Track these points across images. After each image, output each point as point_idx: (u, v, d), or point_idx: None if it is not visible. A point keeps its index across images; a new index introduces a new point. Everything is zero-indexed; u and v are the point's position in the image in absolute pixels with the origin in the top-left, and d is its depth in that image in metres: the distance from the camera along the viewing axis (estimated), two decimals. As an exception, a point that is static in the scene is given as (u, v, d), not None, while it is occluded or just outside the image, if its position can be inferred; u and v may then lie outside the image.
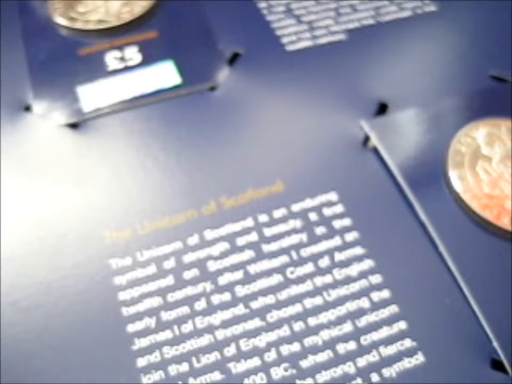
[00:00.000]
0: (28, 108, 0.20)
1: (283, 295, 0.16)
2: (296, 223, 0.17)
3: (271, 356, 0.15)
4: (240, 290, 0.16)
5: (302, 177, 0.18)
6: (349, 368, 0.15)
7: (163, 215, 0.17)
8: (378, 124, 0.19)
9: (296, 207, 0.17)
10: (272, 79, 0.21)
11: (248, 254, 0.17)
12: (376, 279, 0.16)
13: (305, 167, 0.19)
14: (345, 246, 0.17)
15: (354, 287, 0.16)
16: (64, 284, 0.16)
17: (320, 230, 0.17)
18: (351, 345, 0.15)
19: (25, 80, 0.21)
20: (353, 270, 0.16)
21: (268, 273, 0.16)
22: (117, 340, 0.15)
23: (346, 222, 0.17)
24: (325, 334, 0.15)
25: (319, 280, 0.16)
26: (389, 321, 0.15)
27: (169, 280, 0.16)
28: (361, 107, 0.20)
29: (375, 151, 0.19)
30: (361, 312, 0.15)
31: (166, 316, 0.15)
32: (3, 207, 0.18)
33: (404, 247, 0.17)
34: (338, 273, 0.16)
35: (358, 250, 0.17)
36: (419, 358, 0.15)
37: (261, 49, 0.22)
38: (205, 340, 0.15)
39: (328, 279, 0.16)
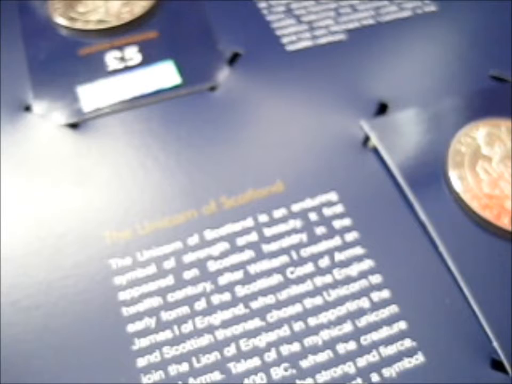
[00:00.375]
0: (28, 108, 0.20)
1: (283, 295, 0.16)
2: (296, 223, 0.17)
3: (271, 356, 0.15)
4: (240, 290, 0.16)
5: (302, 177, 0.18)
6: (349, 368, 0.15)
7: (163, 215, 0.17)
8: (378, 124, 0.19)
9: (296, 207, 0.17)
10: (272, 79, 0.21)
11: (248, 254, 0.17)
12: (376, 279, 0.16)
13: (305, 167, 0.19)
14: (345, 246, 0.17)
15: (354, 287, 0.16)
16: (64, 283, 0.16)
17: (320, 230, 0.17)
18: (351, 345, 0.15)
19: (25, 80, 0.21)
20: (353, 270, 0.16)
21: (268, 273, 0.16)
22: (117, 340, 0.15)
23: (346, 222, 0.17)
24: (325, 334, 0.15)
25: (319, 280, 0.16)
26: (389, 321, 0.15)
27: (169, 280, 0.16)
28: (361, 107, 0.20)
29: (375, 151, 0.19)
30: (361, 312, 0.15)
31: (166, 315, 0.15)
32: (3, 207, 0.18)
33: (404, 247, 0.17)
34: (338, 273, 0.16)
35: (358, 250, 0.17)
36: (419, 358, 0.15)
37: (261, 49, 0.22)
38: (205, 339, 0.15)
39: (328, 279, 0.16)
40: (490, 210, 0.17)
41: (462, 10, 0.24)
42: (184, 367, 0.15)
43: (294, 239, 0.17)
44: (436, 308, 0.15)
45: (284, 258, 0.16)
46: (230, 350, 0.15)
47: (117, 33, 0.22)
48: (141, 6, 0.23)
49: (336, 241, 0.17)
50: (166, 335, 0.15)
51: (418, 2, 0.24)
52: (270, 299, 0.16)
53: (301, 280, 0.16)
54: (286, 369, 0.15)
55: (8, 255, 0.16)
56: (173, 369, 0.14)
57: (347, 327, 0.15)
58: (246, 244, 0.17)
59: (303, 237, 0.17)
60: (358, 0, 0.24)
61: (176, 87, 0.21)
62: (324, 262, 0.16)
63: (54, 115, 0.20)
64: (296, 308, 0.15)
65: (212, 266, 0.16)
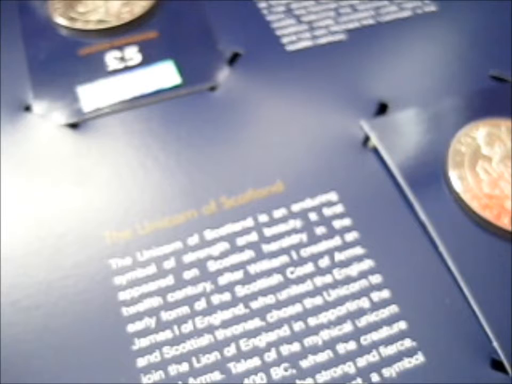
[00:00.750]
0: (28, 108, 0.20)
1: (283, 295, 0.16)
2: (296, 223, 0.17)
3: (271, 356, 0.15)
4: (240, 290, 0.16)
5: (302, 177, 0.18)
6: (349, 368, 0.15)
7: (163, 215, 0.17)
8: (378, 124, 0.19)
9: (296, 207, 0.17)
10: (272, 79, 0.21)
11: (248, 254, 0.17)
12: (376, 279, 0.16)
13: (305, 167, 0.19)
14: (345, 246, 0.17)
15: (354, 287, 0.16)
16: (64, 283, 0.16)
17: (320, 230, 0.17)
18: (351, 345, 0.15)
19: (25, 80, 0.21)
20: (353, 270, 0.16)
21: (268, 273, 0.16)
22: (117, 340, 0.15)
23: (346, 222, 0.17)
24: (325, 334, 0.15)
25: (319, 280, 0.16)
26: (389, 321, 0.15)
27: (169, 280, 0.16)
28: (361, 107, 0.20)
29: (375, 151, 0.19)
30: (361, 312, 0.15)
31: (166, 315, 0.15)
32: (3, 207, 0.18)
33: (404, 247, 0.17)
34: (338, 273, 0.16)
35: (358, 250, 0.17)
36: (419, 358, 0.15)
37: (261, 49, 0.22)
38: (205, 339, 0.15)
39: (328, 279, 0.16)
40: (490, 210, 0.17)
41: (462, 10, 0.24)
42: (184, 367, 0.15)
43: (294, 239, 0.17)
44: (436, 308, 0.15)
45: (283, 258, 0.16)
46: (230, 350, 0.15)
47: (117, 33, 0.22)
48: (141, 6, 0.23)
49: (336, 241, 0.17)
50: (166, 335, 0.15)
51: (418, 2, 0.24)
52: (270, 299, 0.16)
53: (301, 280, 0.16)
54: (286, 369, 0.15)
55: (8, 255, 0.16)
56: (173, 369, 0.14)
57: (347, 327, 0.15)
58: (246, 243, 0.17)
59: (303, 237, 0.17)
60: (358, 0, 0.24)
61: (176, 87, 0.21)
62: (324, 262, 0.16)
63: (54, 115, 0.20)
64: (296, 308, 0.15)
65: (212, 266, 0.16)
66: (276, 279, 0.16)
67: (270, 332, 0.15)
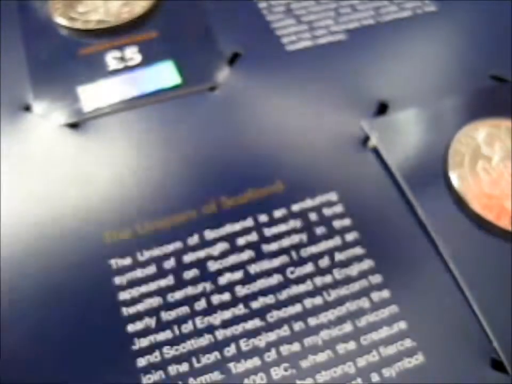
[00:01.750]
0: (27, 108, 0.20)
1: (283, 295, 0.16)
2: (296, 223, 0.17)
3: (271, 355, 0.15)
4: (240, 290, 0.16)
5: (302, 177, 0.18)
6: (349, 368, 0.15)
7: (163, 215, 0.17)
8: (378, 124, 0.19)
9: (296, 207, 0.17)
10: (272, 79, 0.21)
11: (248, 254, 0.17)
12: (376, 279, 0.16)
13: (305, 167, 0.19)
14: (345, 246, 0.17)
15: (354, 287, 0.16)
16: (64, 283, 0.16)
17: (320, 230, 0.17)
18: (351, 345, 0.15)
19: (25, 80, 0.21)
20: (353, 270, 0.16)
21: (268, 273, 0.16)
22: (117, 340, 0.15)
23: (346, 222, 0.17)
24: (325, 334, 0.15)
25: (319, 280, 0.16)
26: (389, 321, 0.15)
27: (169, 280, 0.16)
28: (361, 107, 0.20)
29: (375, 151, 0.19)
30: (361, 312, 0.15)
31: (166, 316, 0.15)
32: (3, 207, 0.18)
33: (403, 247, 0.17)
34: (338, 273, 0.16)
35: (358, 250, 0.17)
36: (419, 358, 0.15)
37: (261, 49, 0.22)
38: (205, 340, 0.15)
39: (328, 279, 0.16)
40: (490, 210, 0.17)
41: (462, 10, 0.24)
42: (184, 367, 0.15)
43: (294, 239, 0.17)
44: (436, 308, 0.15)
45: (283, 258, 0.16)
46: (230, 350, 0.15)
47: (117, 33, 0.22)
48: (141, 6, 0.23)
49: (336, 241, 0.17)
50: (166, 335, 0.15)
51: (418, 2, 0.24)
52: (270, 299, 0.16)
53: (301, 280, 0.16)
54: (286, 369, 0.15)
55: (8, 255, 0.16)
56: (173, 369, 0.14)
57: (347, 327, 0.15)
58: (246, 243, 0.17)
59: (303, 237, 0.17)
60: (358, 0, 0.24)
61: (176, 87, 0.21)
62: (324, 262, 0.16)
63: (54, 115, 0.20)
64: (296, 308, 0.15)
65: (212, 266, 0.16)
66: (276, 279, 0.16)
67: (270, 332, 0.15)
